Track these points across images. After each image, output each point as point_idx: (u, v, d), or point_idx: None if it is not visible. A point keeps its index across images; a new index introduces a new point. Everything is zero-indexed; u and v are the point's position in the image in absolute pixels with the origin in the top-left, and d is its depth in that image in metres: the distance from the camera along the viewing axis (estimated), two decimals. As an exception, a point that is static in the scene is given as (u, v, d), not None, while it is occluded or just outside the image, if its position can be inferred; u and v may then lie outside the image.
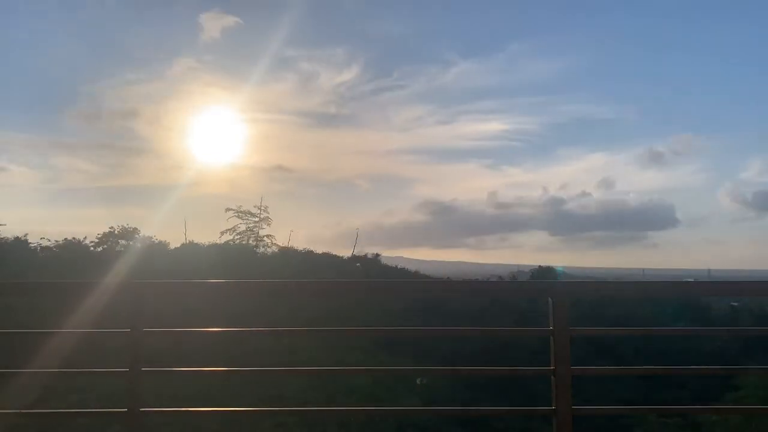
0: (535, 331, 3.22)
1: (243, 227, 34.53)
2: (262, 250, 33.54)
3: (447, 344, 18.99)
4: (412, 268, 38.23)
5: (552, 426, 3.00)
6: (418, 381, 15.25)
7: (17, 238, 25.73)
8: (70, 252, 26.39)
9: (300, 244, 38.38)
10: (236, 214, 34.64)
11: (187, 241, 30.78)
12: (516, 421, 14.67)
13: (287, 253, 32.24)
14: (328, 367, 6.78)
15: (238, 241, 33.72)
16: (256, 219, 34.69)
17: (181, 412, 3.30)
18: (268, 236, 34.34)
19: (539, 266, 39.68)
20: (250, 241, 34.01)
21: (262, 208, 34.98)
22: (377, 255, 34.39)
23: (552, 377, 2.99)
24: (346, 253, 34.68)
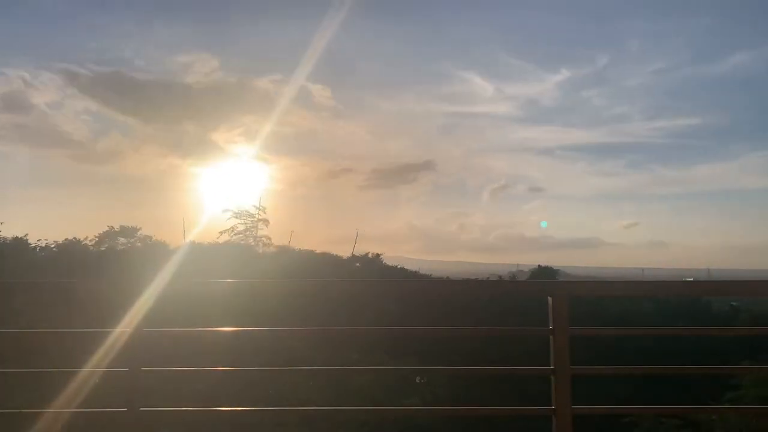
0: (535, 331, 3.22)
1: (242, 227, 34.57)
2: (262, 249, 33.58)
3: (447, 344, 18.99)
4: (412, 267, 38.23)
5: (552, 426, 3.00)
6: (417, 380, 15.26)
7: (17, 238, 25.74)
8: (70, 252, 26.40)
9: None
10: (234, 215, 34.66)
11: (187, 241, 30.84)
12: (515, 421, 14.67)
13: (285, 252, 32.27)
14: (328, 366, 6.79)
15: (236, 240, 33.77)
16: (254, 219, 34.73)
17: (181, 412, 3.30)
18: (265, 237, 34.41)
19: (539, 266, 39.67)
20: (249, 241, 34.05)
21: (261, 208, 35.01)
22: (378, 255, 34.41)
23: (552, 377, 2.99)
24: (346, 253, 34.72)
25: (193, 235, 31.94)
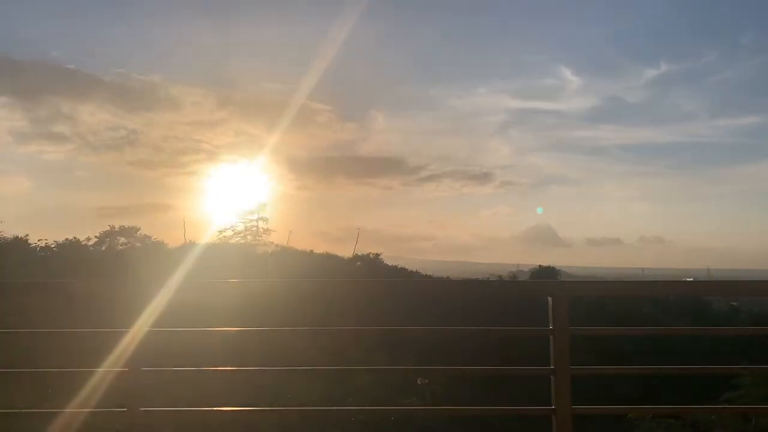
0: (535, 331, 3.22)
1: (241, 226, 34.62)
2: (262, 250, 33.60)
3: (447, 344, 19.00)
4: (412, 267, 38.25)
5: (552, 426, 3.00)
6: (418, 381, 15.28)
7: (17, 238, 25.73)
8: (70, 252, 26.39)
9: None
10: (236, 213, 34.69)
11: (187, 241, 30.82)
12: (515, 421, 14.66)
13: (286, 252, 32.25)
14: (328, 366, 6.76)
15: (237, 240, 33.81)
16: (255, 218, 34.78)
17: (181, 412, 3.30)
18: (265, 231, 34.43)
19: (539, 266, 39.63)
20: (248, 239, 34.10)
21: (261, 208, 35.05)
22: (378, 255, 34.40)
23: (552, 377, 2.99)
24: (347, 253, 34.71)
25: (194, 235, 32.09)
